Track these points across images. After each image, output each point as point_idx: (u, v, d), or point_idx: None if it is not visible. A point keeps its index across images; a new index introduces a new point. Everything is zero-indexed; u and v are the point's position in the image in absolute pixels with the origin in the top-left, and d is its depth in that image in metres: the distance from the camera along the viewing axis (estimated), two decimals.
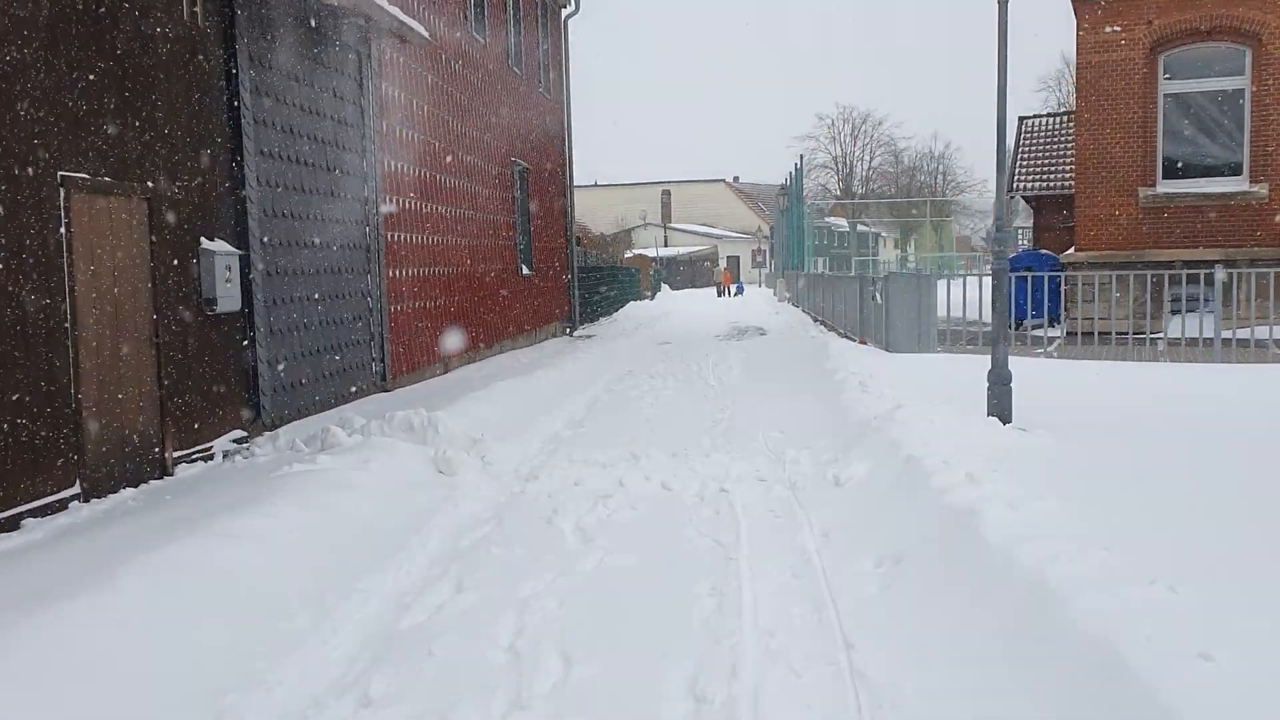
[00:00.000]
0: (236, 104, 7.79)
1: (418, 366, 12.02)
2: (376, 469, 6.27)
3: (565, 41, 21.28)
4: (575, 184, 22.13)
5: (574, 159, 21.91)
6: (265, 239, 8.21)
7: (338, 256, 9.67)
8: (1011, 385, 7.44)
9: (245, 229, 7.92)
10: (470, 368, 13.92)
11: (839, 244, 73.64)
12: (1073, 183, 23.98)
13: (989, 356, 7.59)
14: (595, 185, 79.63)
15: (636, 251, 60.31)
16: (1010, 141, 26.24)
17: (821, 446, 7.54)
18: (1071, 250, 17.93)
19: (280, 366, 8.50)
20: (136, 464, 6.58)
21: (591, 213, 67.41)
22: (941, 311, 12.61)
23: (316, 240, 9.18)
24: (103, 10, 6.30)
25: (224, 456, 7.53)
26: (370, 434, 7.33)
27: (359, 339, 10.22)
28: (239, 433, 7.90)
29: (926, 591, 4.33)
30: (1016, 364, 11.09)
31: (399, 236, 11.39)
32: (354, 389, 10.05)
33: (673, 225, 77.02)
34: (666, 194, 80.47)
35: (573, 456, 7.55)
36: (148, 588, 4.00)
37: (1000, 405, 7.43)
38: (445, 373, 13.22)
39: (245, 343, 8.01)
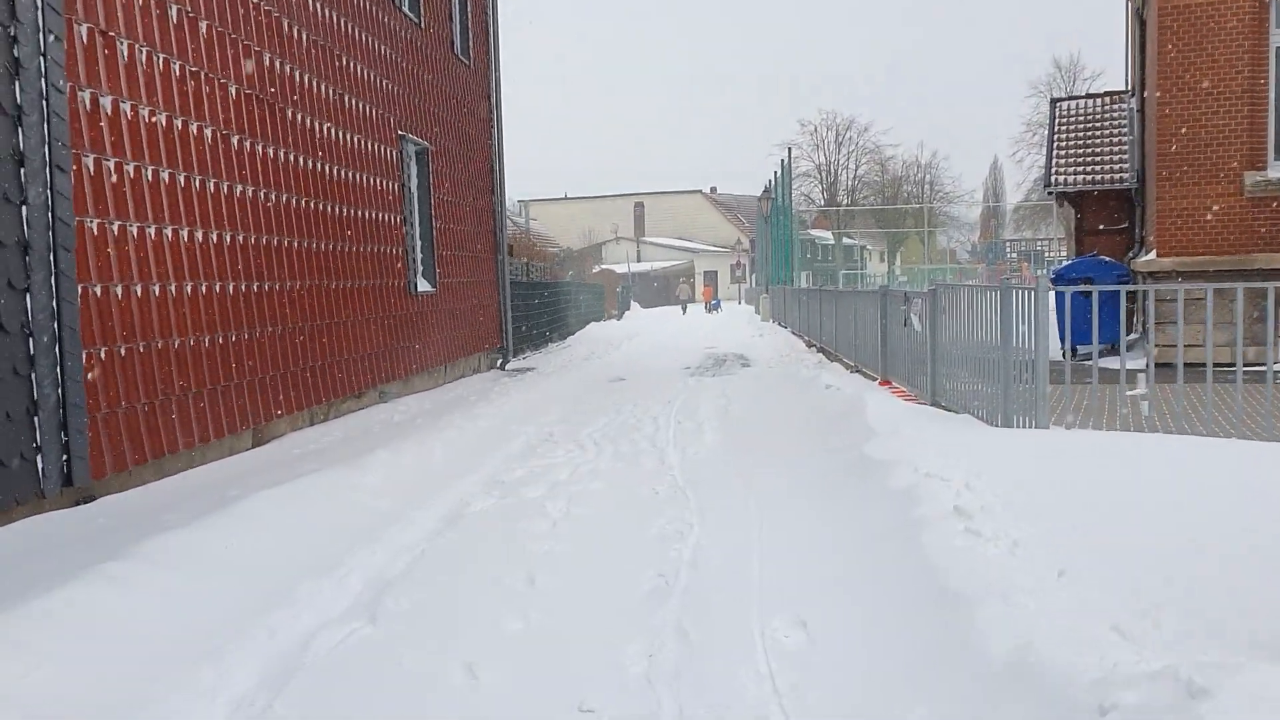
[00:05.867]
0: None
1: (186, 444, 7.24)
2: None
3: None
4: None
5: (505, 146, 17.23)
6: None
7: None
8: None
9: None
10: (307, 434, 9.14)
11: (823, 257, 69.29)
12: (1122, 174, 19.61)
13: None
14: (564, 198, 75.02)
15: (605, 267, 55.76)
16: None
17: None
18: (1151, 255, 13.39)
19: None
20: None
21: (559, 226, 62.87)
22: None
23: None
24: None
25: None
26: None
27: (3, 412, 5.45)
28: None
29: None
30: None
31: (126, 229, 6.63)
32: None
33: (646, 239, 72.45)
34: (640, 206, 76.00)
35: None
36: None
37: None
38: (256, 445, 8.45)
39: None
